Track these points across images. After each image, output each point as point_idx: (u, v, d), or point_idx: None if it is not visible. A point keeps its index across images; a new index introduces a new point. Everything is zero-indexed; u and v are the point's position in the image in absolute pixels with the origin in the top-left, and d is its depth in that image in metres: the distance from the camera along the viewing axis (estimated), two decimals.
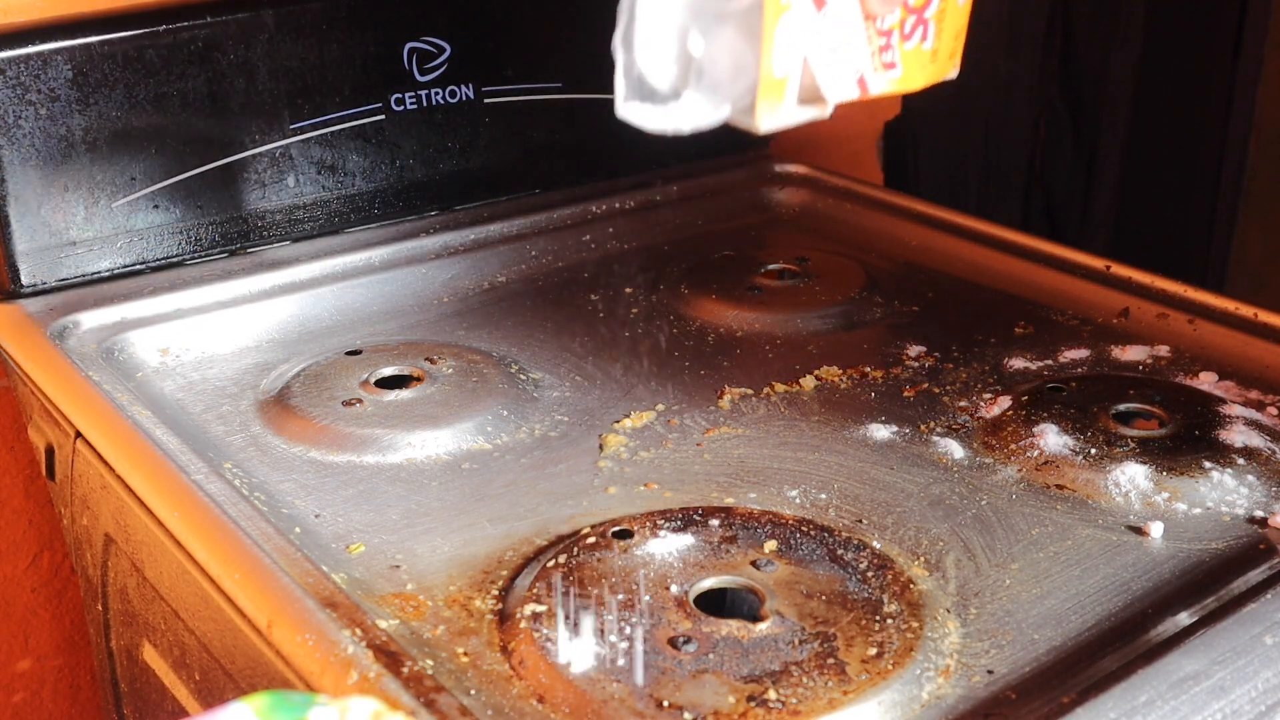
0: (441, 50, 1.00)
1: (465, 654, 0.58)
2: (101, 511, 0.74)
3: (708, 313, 0.93)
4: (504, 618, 0.61)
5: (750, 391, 0.83)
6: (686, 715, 0.54)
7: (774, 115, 0.57)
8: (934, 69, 0.64)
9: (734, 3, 0.55)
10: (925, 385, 0.83)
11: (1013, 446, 0.75)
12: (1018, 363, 0.86)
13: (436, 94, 1.00)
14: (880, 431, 0.78)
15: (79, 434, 0.75)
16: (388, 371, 0.82)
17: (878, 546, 0.66)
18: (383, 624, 0.58)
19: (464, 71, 1.01)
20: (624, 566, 0.63)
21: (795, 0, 0.55)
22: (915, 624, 0.59)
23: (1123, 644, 0.59)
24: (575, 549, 0.64)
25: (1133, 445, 0.74)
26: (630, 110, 0.56)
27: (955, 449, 0.76)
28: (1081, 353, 0.88)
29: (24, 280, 0.88)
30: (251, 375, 0.84)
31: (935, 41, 0.63)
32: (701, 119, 0.56)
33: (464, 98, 1.02)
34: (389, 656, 0.55)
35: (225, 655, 0.62)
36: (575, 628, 0.58)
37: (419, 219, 1.02)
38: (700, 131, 0.56)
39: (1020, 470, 0.74)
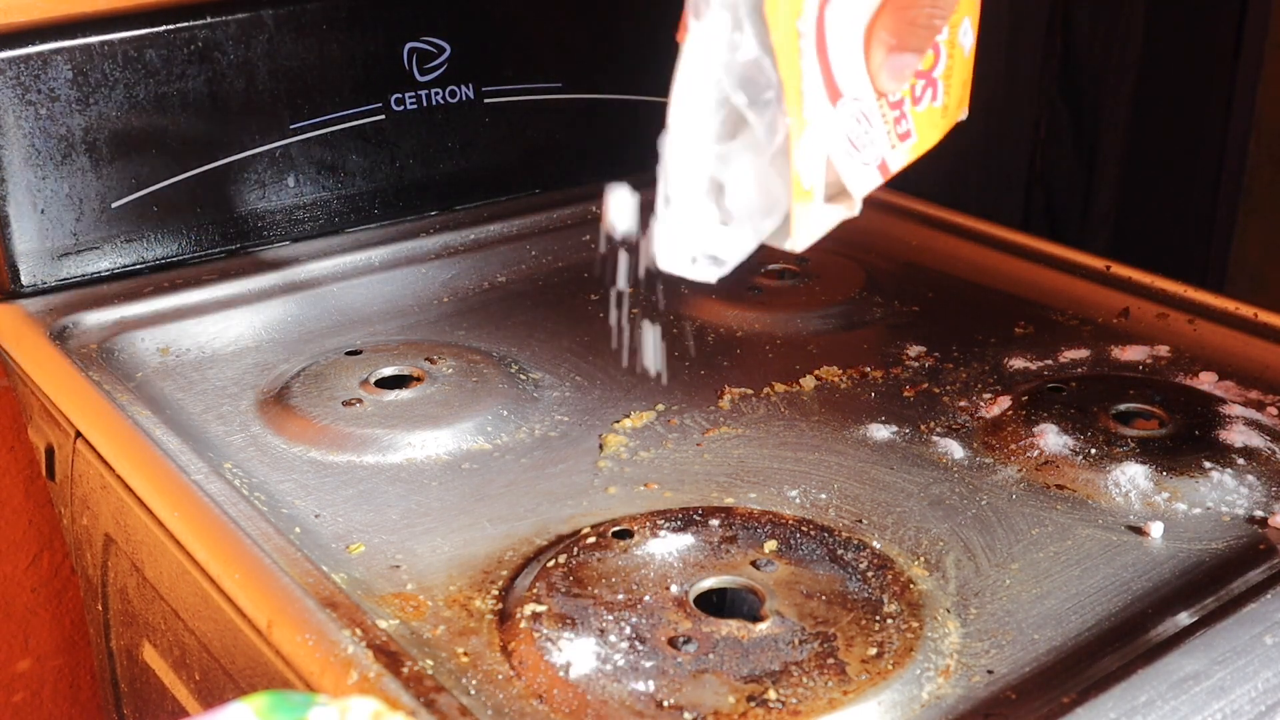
0: (441, 50, 1.00)
1: (465, 654, 0.58)
2: (101, 511, 0.74)
3: (708, 313, 0.93)
4: (504, 618, 0.61)
5: (750, 391, 0.83)
6: (686, 715, 0.54)
7: (807, 227, 0.57)
8: (945, 122, 0.64)
9: (764, 149, 0.54)
10: (925, 385, 0.83)
11: (1013, 446, 0.75)
12: (1018, 363, 0.86)
13: (436, 94, 1.00)
14: (880, 431, 0.78)
15: (79, 434, 0.75)
16: (388, 371, 0.82)
17: (878, 546, 0.66)
18: (383, 624, 0.58)
19: (464, 71, 1.01)
20: (624, 566, 0.63)
21: (812, 110, 0.54)
22: (915, 624, 0.59)
23: (1123, 644, 0.59)
24: (575, 549, 0.64)
25: (1133, 445, 0.74)
26: (672, 265, 0.56)
27: (955, 449, 0.76)
28: (1081, 353, 0.88)
29: (24, 280, 0.88)
30: (251, 375, 0.84)
31: (945, 97, 0.63)
32: (739, 255, 0.57)
33: (464, 98, 1.02)
34: (389, 656, 0.55)
35: (225, 655, 0.62)
36: (575, 627, 0.58)
37: (419, 219, 1.02)
38: None
39: (1020, 470, 0.74)
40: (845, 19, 0.56)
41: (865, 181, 0.59)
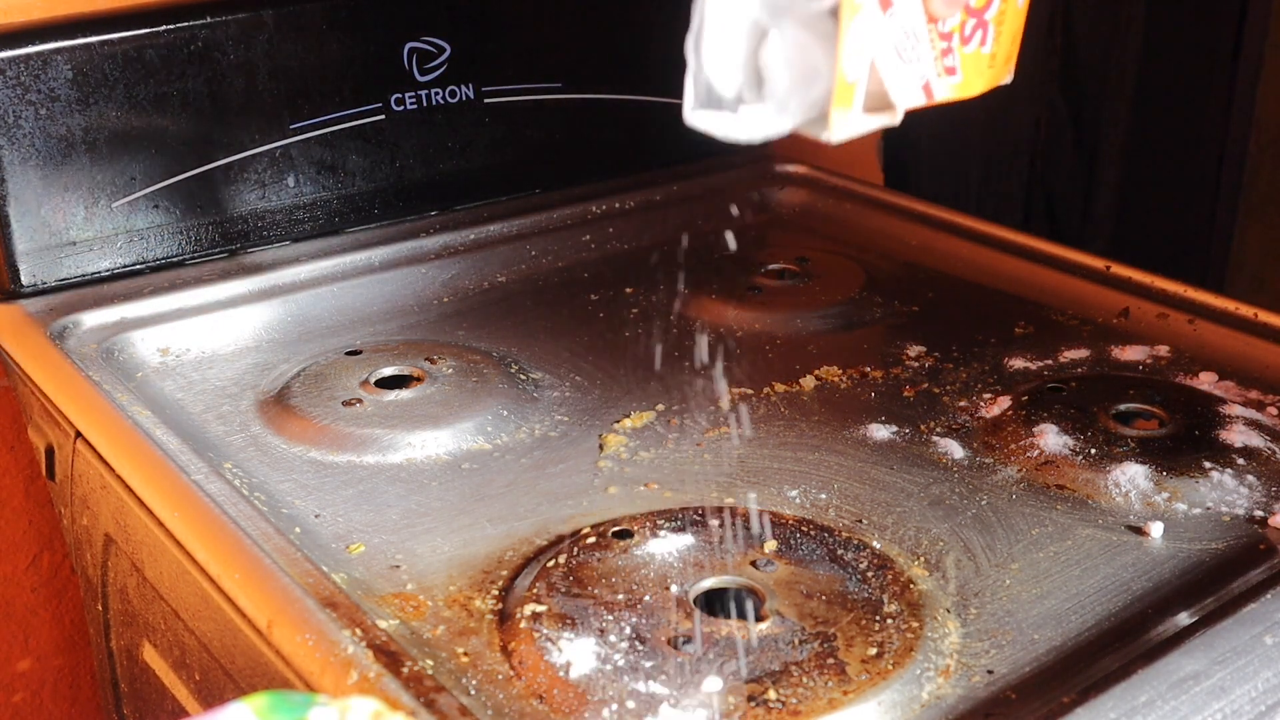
0: (441, 50, 1.00)
1: (465, 654, 0.58)
2: (101, 511, 0.74)
3: (708, 313, 0.93)
4: (504, 618, 0.61)
5: (750, 391, 0.83)
6: (686, 715, 0.54)
7: (845, 123, 0.55)
8: (991, 74, 0.63)
9: (808, 5, 0.53)
10: (925, 385, 0.83)
11: (1013, 446, 0.75)
12: (1018, 363, 0.86)
13: (436, 94, 1.00)
14: (880, 431, 0.78)
15: (79, 434, 0.75)
16: (388, 371, 0.82)
17: (878, 546, 0.66)
18: (383, 624, 0.58)
19: (464, 71, 1.01)
20: (624, 566, 0.63)
21: (865, 1, 0.54)
22: (915, 624, 0.59)
23: (1123, 644, 0.59)
24: (575, 549, 0.64)
25: (1133, 445, 0.74)
26: (698, 117, 0.54)
27: (955, 449, 0.76)
28: (1081, 353, 0.88)
29: (24, 280, 0.88)
30: (251, 375, 0.84)
31: (994, 45, 0.62)
32: (770, 128, 0.55)
33: (464, 98, 1.02)
34: (389, 656, 0.55)
35: (225, 655, 0.62)
36: (575, 627, 0.58)
37: (419, 219, 1.02)
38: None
39: (1020, 470, 0.74)
40: None
41: (909, 95, 0.58)
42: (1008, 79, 0.65)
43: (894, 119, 0.58)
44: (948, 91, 0.60)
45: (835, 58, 0.53)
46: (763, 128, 0.55)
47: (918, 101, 0.59)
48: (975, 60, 0.62)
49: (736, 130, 0.55)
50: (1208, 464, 0.72)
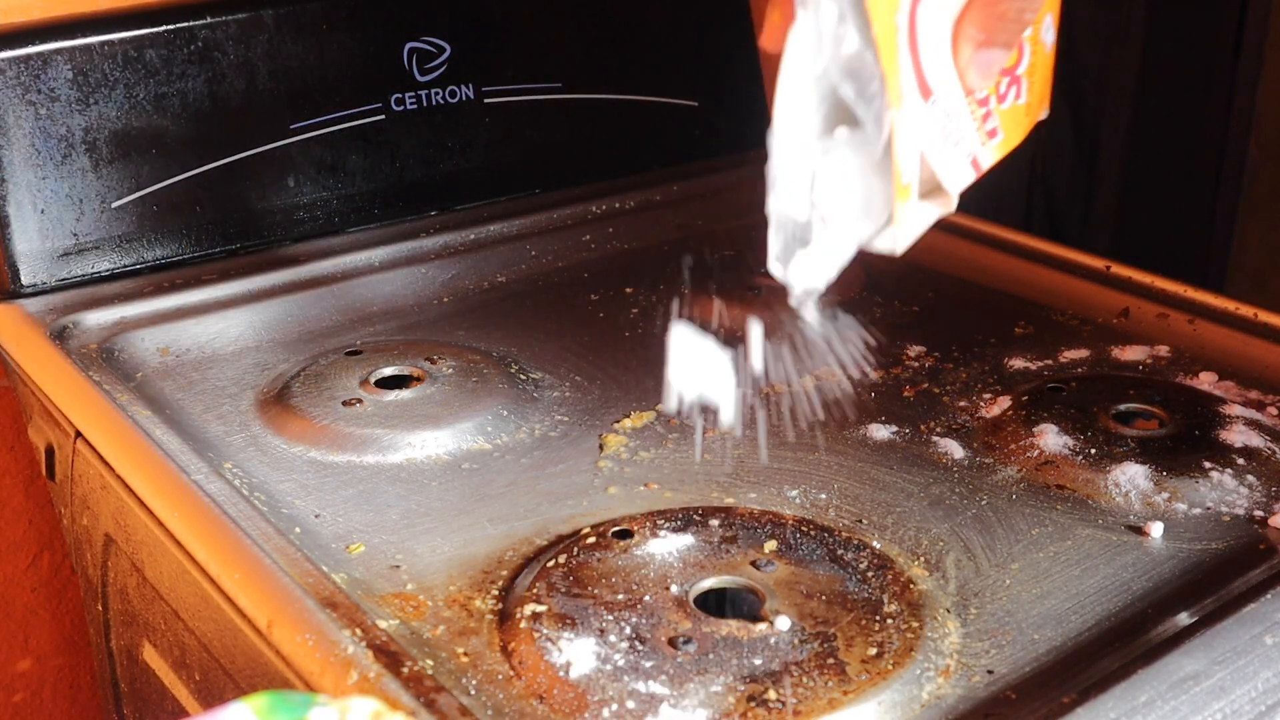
0: (441, 50, 1.00)
1: (465, 654, 0.58)
2: (101, 511, 0.74)
3: (708, 313, 0.93)
4: (504, 618, 0.61)
5: (750, 391, 0.83)
6: (686, 715, 0.54)
7: (908, 225, 0.57)
8: (1028, 120, 0.64)
9: (876, 141, 0.54)
10: (925, 385, 0.83)
11: (1013, 446, 0.75)
12: (1018, 363, 0.86)
13: (436, 94, 1.00)
14: (880, 431, 0.78)
15: (79, 434, 0.75)
16: (388, 371, 0.82)
17: (878, 546, 0.66)
18: (383, 624, 0.58)
19: (464, 71, 1.01)
20: (624, 566, 0.63)
21: (908, 105, 0.54)
22: (915, 624, 0.59)
23: (1123, 644, 0.59)
24: (575, 549, 0.64)
25: (1133, 445, 0.74)
26: (780, 269, 0.56)
27: (955, 449, 0.76)
28: (1081, 353, 0.88)
29: (24, 280, 0.88)
30: (251, 375, 0.84)
31: (1028, 95, 0.62)
32: (841, 261, 0.57)
33: (464, 98, 1.02)
34: (389, 656, 0.55)
35: (225, 655, 0.62)
36: (575, 627, 0.58)
37: (419, 219, 1.02)
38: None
39: (1020, 470, 0.74)
40: (935, 15, 0.55)
41: (960, 177, 0.59)
42: (1044, 114, 0.65)
43: (949, 206, 0.59)
44: (993, 155, 0.61)
45: (892, 175, 0.54)
46: (835, 264, 0.57)
47: (969, 179, 0.59)
48: (1013, 114, 0.62)
49: (815, 279, 0.57)
50: (1208, 464, 0.72)
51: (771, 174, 0.54)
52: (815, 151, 0.54)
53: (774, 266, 0.56)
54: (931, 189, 0.58)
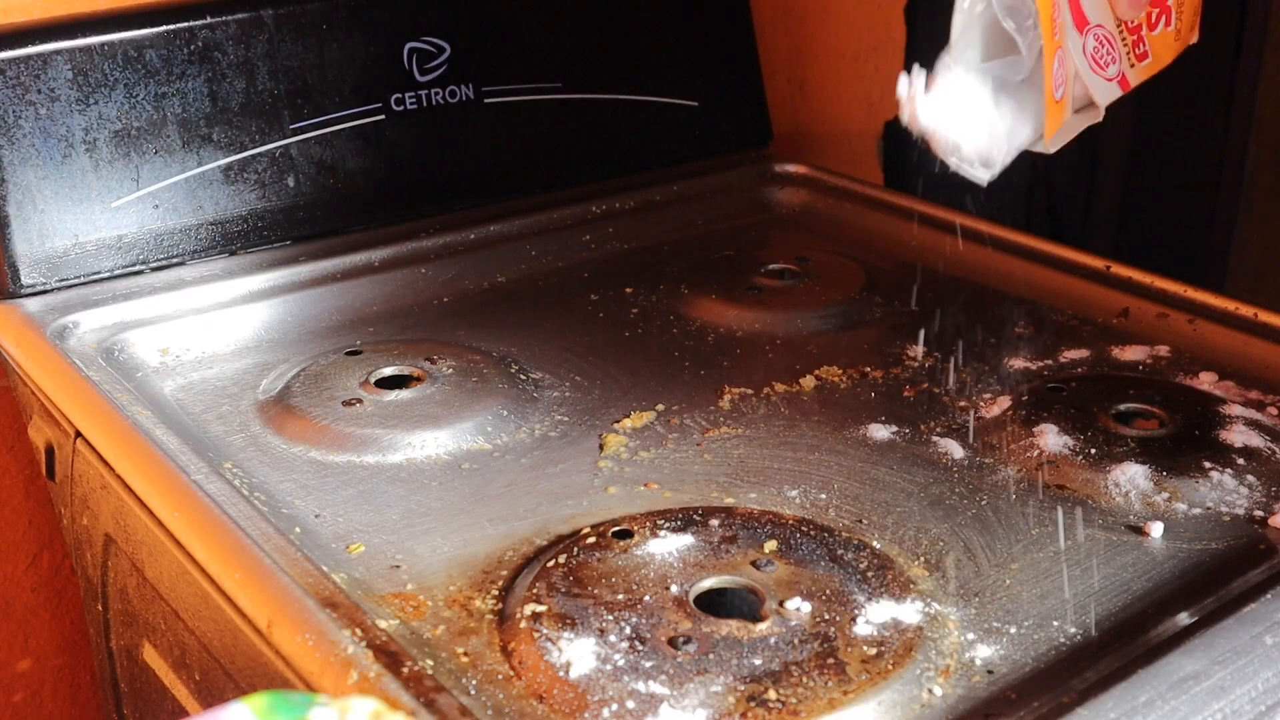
0: (441, 50, 1.00)
1: (465, 654, 0.58)
2: (101, 511, 0.74)
3: (708, 313, 0.93)
4: (504, 618, 0.61)
5: (750, 391, 0.83)
6: (686, 715, 0.54)
7: (1058, 134, 0.69)
8: (1177, 44, 0.73)
9: (1027, 64, 0.67)
10: (925, 385, 0.83)
11: (1013, 446, 0.75)
12: (1018, 363, 0.86)
13: (436, 94, 1.00)
14: (880, 431, 0.78)
15: (79, 434, 0.75)
16: (388, 371, 0.82)
17: (878, 546, 0.66)
18: (383, 624, 0.58)
19: (464, 71, 1.01)
20: (624, 566, 0.63)
21: (1062, 34, 0.65)
22: (915, 624, 0.59)
23: (1123, 644, 0.59)
24: (575, 549, 0.64)
25: (1133, 445, 0.74)
26: (952, 164, 0.69)
27: (955, 449, 0.76)
28: (1081, 353, 0.88)
29: (24, 280, 0.88)
30: (251, 375, 0.84)
31: (1177, 22, 0.72)
32: (1001, 159, 0.69)
33: (464, 98, 1.02)
34: (389, 656, 0.55)
35: (225, 655, 0.62)
36: (575, 627, 0.58)
37: (419, 219, 1.02)
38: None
39: (1020, 470, 0.74)
40: None
41: (1109, 93, 0.71)
42: (1194, 39, 0.75)
43: (1098, 116, 0.72)
44: (1141, 75, 0.72)
45: (1044, 92, 0.67)
46: (993, 167, 0.70)
47: (1116, 94, 0.71)
48: (1163, 38, 0.73)
49: (979, 175, 0.70)
50: (1208, 464, 0.72)
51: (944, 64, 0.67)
52: (981, 71, 0.67)
53: (951, 163, 0.69)
54: (1084, 103, 0.70)
